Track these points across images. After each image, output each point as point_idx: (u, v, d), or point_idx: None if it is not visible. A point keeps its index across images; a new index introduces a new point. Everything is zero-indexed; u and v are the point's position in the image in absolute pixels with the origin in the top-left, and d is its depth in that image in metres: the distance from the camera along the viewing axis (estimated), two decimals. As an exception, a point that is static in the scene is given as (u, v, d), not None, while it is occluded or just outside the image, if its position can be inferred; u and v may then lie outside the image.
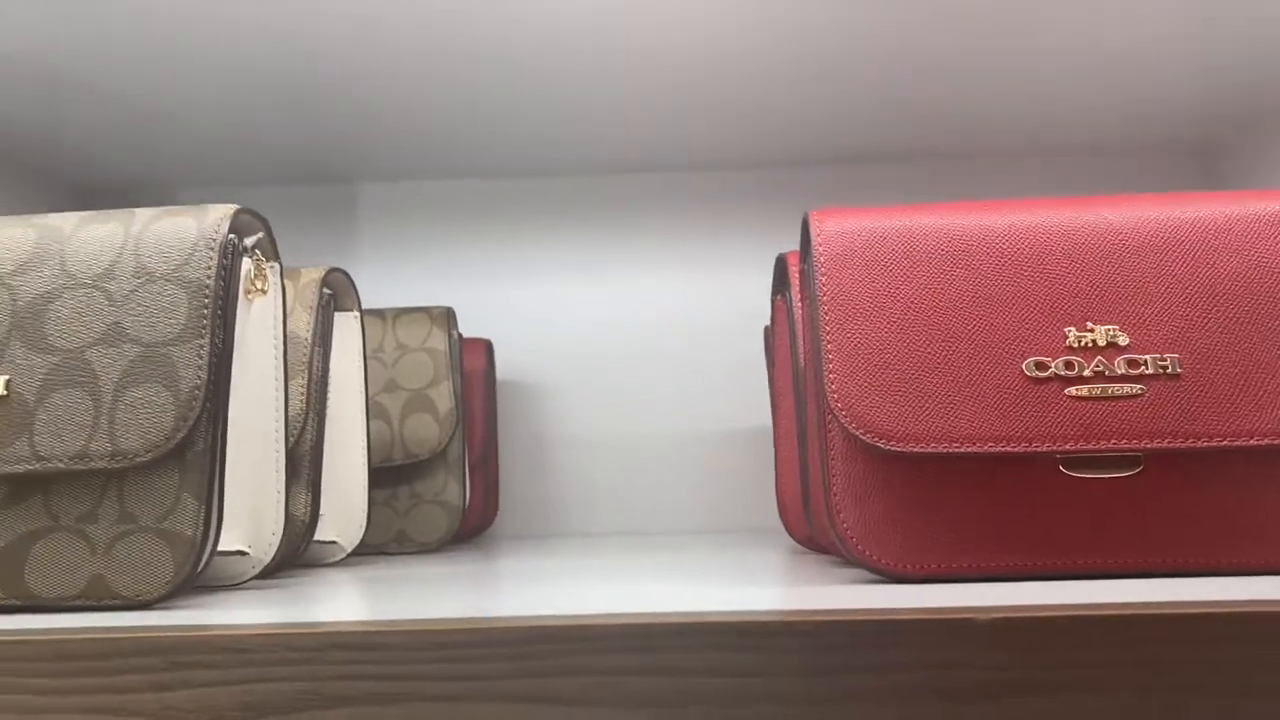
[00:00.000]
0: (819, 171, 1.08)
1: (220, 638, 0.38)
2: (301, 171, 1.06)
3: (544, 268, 1.09)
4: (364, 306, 0.97)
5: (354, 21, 0.73)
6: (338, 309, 0.68)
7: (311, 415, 0.62)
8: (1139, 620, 0.37)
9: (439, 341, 0.85)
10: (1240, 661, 0.36)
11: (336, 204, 1.09)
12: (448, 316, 0.87)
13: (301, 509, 0.60)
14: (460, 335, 0.90)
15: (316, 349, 0.63)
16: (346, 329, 0.68)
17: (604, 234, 1.09)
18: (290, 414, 0.61)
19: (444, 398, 0.83)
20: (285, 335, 0.56)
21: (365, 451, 0.68)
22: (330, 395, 0.65)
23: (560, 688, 0.37)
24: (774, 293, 0.70)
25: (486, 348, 0.97)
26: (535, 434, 1.06)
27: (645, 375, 1.06)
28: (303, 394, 0.62)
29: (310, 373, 0.62)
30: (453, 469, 0.82)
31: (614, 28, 0.75)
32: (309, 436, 0.62)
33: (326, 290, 0.66)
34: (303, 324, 0.63)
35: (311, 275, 0.65)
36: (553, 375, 1.06)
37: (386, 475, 0.81)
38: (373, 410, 0.81)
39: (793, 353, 0.61)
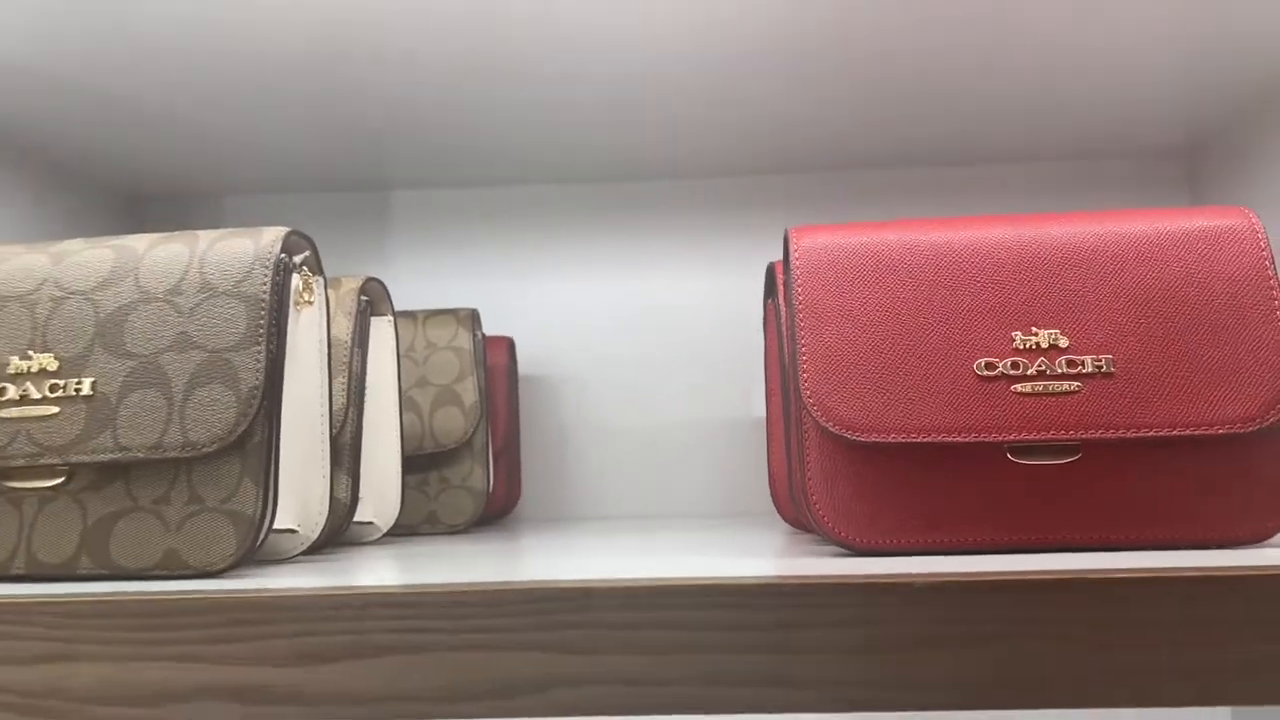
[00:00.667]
0: (818, 177, 1.14)
1: (276, 598, 0.46)
2: (337, 180, 1.13)
3: (563, 269, 1.16)
4: (396, 307, 1.05)
5: (388, 47, 0.80)
6: (374, 314, 0.75)
7: (351, 409, 0.69)
8: (1045, 584, 0.43)
9: (464, 341, 0.92)
10: (1122, 620, 0.43)
11: (370, 209, 1.17)
12: (472, 317, 0.94)
13: (343, 492, 0.68)
14: (484, 334, 0.97)
15: (355, 350, 0.71)
16: (381, 332, 0.76)
17: (620, 237, 1.16)
18: (333, 409, 0.68)
19: (469, 392, 0.90)
20: (329, 340, 0.63)
21: (399, 441, 0.76)
22: (367, 391, 0.73)
23: (569, 639, 0.44)
24: (765, 297, 0.77)
25: (509, 345, 1.04)
26: (555, 424, 1.13)
27: (658, 368, 1.13)
28: (344, 391, 0.69)
29: (350, 371, 0.70)
30: (478, 457, 0.90)
31: (631, 46, 0.81)
32: (349, 428, 0.69)
33: (364, 297, 0.73)
34: (343, 328, 0.71)
35: (350, 284, 0.73)
36: (572, 369, 1.14)
37: (418, 462, 0.89)
38: (405, 404, 0.88)
39: (780, 353, 0.68)
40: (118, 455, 0.54)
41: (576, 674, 0.44)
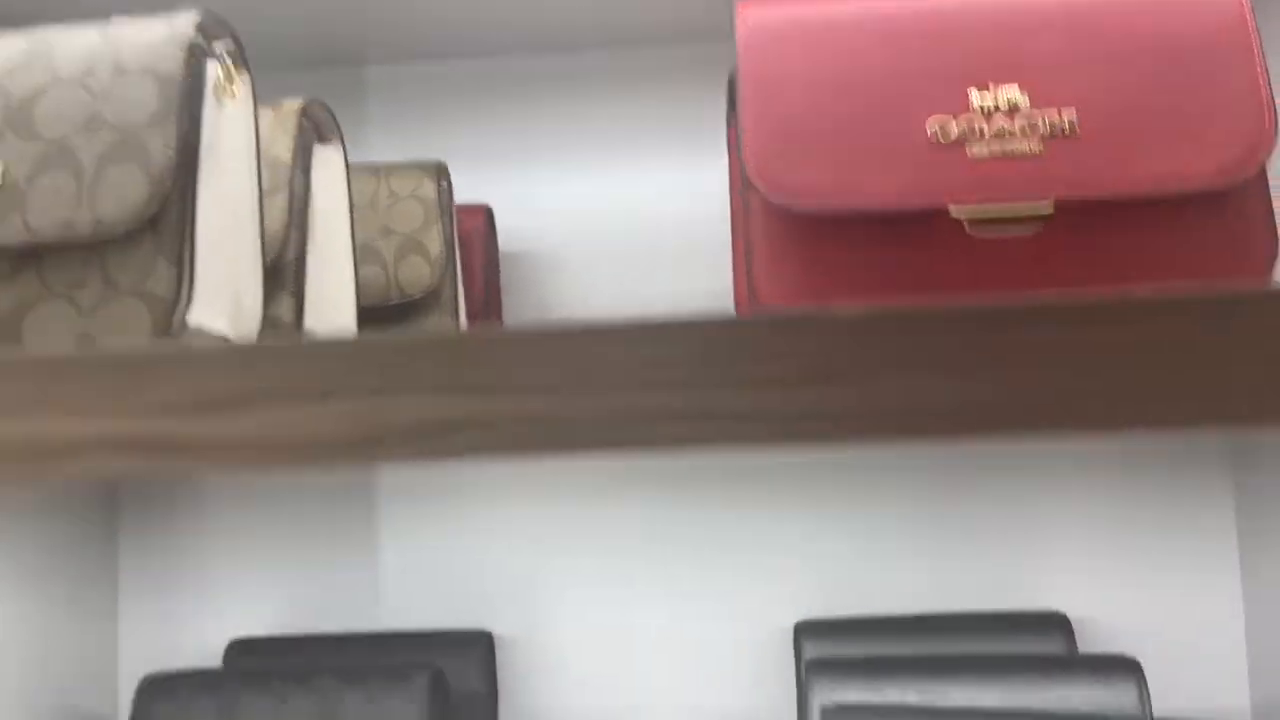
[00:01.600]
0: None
1: (177, 353, 0.43)
2: (311, 56, 1.10)
3: (546, 146, 1.12)
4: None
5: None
6: (320, 141, 0.73)
7: (294, 230, 0.67)
8: (973, 314, 0.40)
9: (429, 190, 0.90)
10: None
11: (345, 86, 1.14)
12: (437, 169, 0.91)
13: (285, 312, 0.66)
14: (450, 185, 0.94)
15: (297, 171, 0.68)
16: (328, 158, 0.73)
17: (605, 110, 1.12)
18: (273, 229, 0.66)
19: (434, 241, 0.87)
20: (258, 139, 0.61)
21: (352, 272, 0.73)
22: (316, 218, 0.70)
23: (479, 380, 0.42)
24: (728, 122, 0.73)
25: (486, 212, 1.01)
26: (539, 304, 1.11)
27: (644, 245, 1.10)
28: (285, 209, 0.67)
29: (291, 191, 0.67)
30: (446, 307, 0.87)
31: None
32: (292, 249, 0.67)
33: (305, 120, 0.71)
34: (283, 147, 0.68)
35: (291, 106, 0.70)
36: (552, 246, 1.11)
37: (385, 314, 0.86)
38: (368, 255, 0.86)
39: (737, 166, 0.65)
40: (28, 238, 0.52)
41: (486, 415, 0.42)
